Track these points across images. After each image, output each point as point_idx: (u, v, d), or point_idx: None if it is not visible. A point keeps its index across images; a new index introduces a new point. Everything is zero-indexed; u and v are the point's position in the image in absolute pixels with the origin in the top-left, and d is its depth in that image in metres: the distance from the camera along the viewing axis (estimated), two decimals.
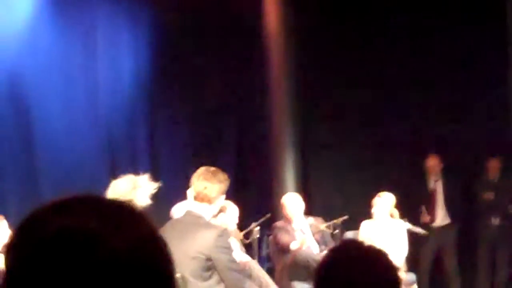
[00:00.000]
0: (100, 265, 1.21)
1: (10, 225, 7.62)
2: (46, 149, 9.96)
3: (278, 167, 11.53)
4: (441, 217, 11.45)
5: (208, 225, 5.74)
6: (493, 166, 11.58)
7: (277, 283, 8.87)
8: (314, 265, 8.54)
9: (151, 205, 6.13)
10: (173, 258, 1.33)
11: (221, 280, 5.62)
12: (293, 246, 9.65)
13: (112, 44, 10.94)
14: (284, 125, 11.59)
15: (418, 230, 10.31)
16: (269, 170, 11.61)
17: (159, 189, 6.13)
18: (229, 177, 5.92)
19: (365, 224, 9.95)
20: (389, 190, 9.94)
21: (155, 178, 6.14)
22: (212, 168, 5.84)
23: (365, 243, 2.68)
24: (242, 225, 9.49)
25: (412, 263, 10.54)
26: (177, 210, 8.07)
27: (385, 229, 9.82)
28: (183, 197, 7.23)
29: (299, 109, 11.73)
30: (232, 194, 7.81)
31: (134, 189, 5.91)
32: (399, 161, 12.14)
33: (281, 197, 10.36)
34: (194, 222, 5.69)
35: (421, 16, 11.93)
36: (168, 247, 1.32)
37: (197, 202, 5.75)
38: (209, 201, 5.72)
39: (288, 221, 9.97)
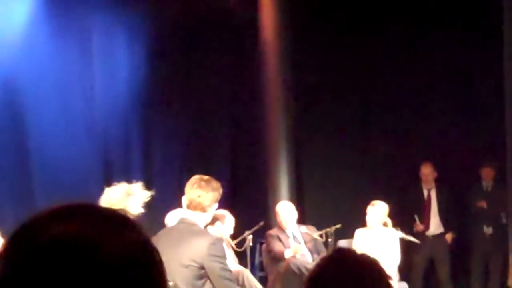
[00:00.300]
0: (93, 273, 1.22)
1: (5, 233, 7.61)
2: (41, 156, 9.95)
3: (272, 176, 11.53)
4: (434, 226, 11.45)
5: (201, 233, 5.74)
6: (487, 175, 11.59)
7: None
8: (307, 273, 8.55)
9: (144, 213, 6.15)
10: (166, 266, 1.34)
11: None
12: (286, 255, 9.66)
13: (108, 51, 10.94)
14: (278, 133, 11.58)
15: (411, 238, 10.32)
16: (262, 179, 11.61)
17: (153, 197, 6.13)
18: (222, 185, 5.92)
19: (358, 233, 9.96)
20: (382, 198, 9.95)
21: (148, 186, 6.15)
22: (206, 177, 5.85)
23: (357, 252, 2.69)
24: (235, 234, 9.50)
25: (405, 272, 10.55)
26: (171, 218, 8.08)
27: (378, 237, 9.82)
28: (176, 205, 7.24)
29: (293, 118, 11.74)
30: (225, 202, 7.81)
31: (127, 196, 5.91)
32: (392, 169, 12.15)
33: (274, 206, 10.37)
34: (188, 230, 5.69)
35: (414, 23, 11.95)
36: (160, 256, 1.33)
37: (190, 210, 5.75)
38: (203, 209, 5.72)
39: (282, 229, 9.98)
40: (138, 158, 11.17)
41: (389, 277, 2.65)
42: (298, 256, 9.68)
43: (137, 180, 6.17)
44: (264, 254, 10.33)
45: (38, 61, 10.08)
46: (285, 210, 10.03)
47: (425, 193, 11.61)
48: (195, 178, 5.84)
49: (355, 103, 12.42)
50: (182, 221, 5.86)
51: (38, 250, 1.23)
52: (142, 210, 5.88)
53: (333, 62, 12.21)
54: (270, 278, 9.97)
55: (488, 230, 11.38)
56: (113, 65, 11.01)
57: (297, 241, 9.95)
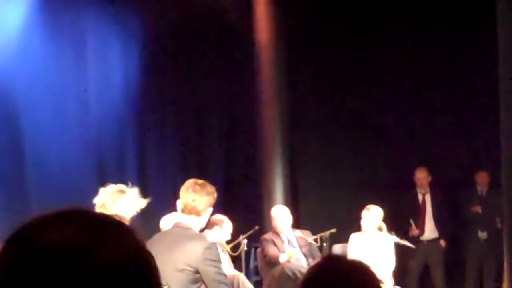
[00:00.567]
0: (87, 279, 1.22)
1: None
2: (35, 160, 9.92)
3: (267, 180, 11.54)
4: (429, 231, 11.46)
5: (196, 237, 5.73)
6: (482, 180, 11.60)
7: None
8: (302, 278, 8.56)
9: (139, 217, 6.15)
10: (161, 270, 1.34)
11: None
12: (281, 259, 9.66)
13: (102, 55, 10.93)
14: (273, 138, 11.59)
15: (406, 243, 10.32)
16: (257, 183, 11.61)
17: (148, 201, 6.14)
18: (217, 189, 5.92)
19: (353, 237, 9.96)
20: (377, 203, 9.96)
21: (143, 190, 6.15)
22: (200, 181, 5.84)
23: (349, 258, 2.69)
24: (230, 238, 9.50)
25: (400, 277, 10.55)
26: (166, 222, 8.08)
27: (373, 242, 9.82)
28: (171, 209, 7.24)
29: (288, 122, 11.75)
30: (220, 206, 7.81)
31: (119, 194, 5.91)
32: (387, 173, 12.17)
33: (269, 210, 10.37)
34: (182, 234, 5.68)
35: (411, 27, 11.99)
36: (155, 261, 1.33)
37: (185, 215, 5.75)
38: (197, 213, 5.72)
39: (276, 233, 9.99)
40: (132, 162, 11.16)
41: (381, 283, 2.65)
42: (292, 260, 9.68)
43: (132, 184, 6.17)
44: (259, 258, 10.33)
45: (32, 65, 10.06)
46: (280, 215, 10.04)
47: (420, 197, 11.62)
48: (190, 182, 5.83)
49: (350, 108, 12.43)
50: (176, 225, 5.85)
51: (32, 256, 1.23)
52: (134, 213, 5.88)
53: (328, 66, 12.24)
54: (265, 282, 9.97)
55: (482, 235, 11.40)
56: (107, 69, 11.00)
57: (292, 245, 9.95)
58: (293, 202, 11.45)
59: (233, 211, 10.04)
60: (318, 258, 9.20)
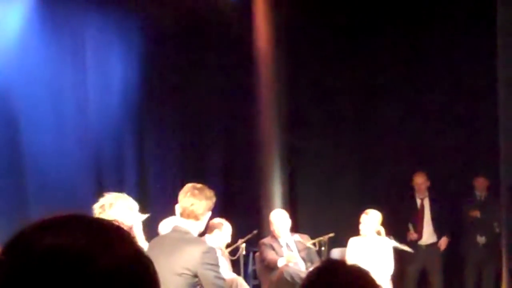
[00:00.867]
0: (87, 283, 1.22)
1: None
2: (34, 166, 9.91)
3: (265, 184, 11.54)
4: (427, 235, 11.46)
5: (195, 241, 5.73)
6: (480, 185, 11.60)
7: None
8: (300, 282, 8.56)
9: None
10: (159, 274, 1.34)
11: None
12: (279, 263, 9.66)
13: (102, 59, 10.93)
14: (272, 142, 11.59)
15: (405, 247, 10.33)
16: (256, 187, 11.61)
17: (147, 206, 6.15)
18: (216, 194, 5.92)
19: (352, 241, 9.96)
20: (376, 207, 9.96)
21: (143, 195, 6.15)
22: (199, 185, 5.84)
23: (348, 262, 2.70)
24: (228, 242, 9.50)
25: (398, 281, 10.55)
26: (165, 226, 8.08)
27: (372, 246, 9.83)
28: (170, 214, 7.23)
29: (287, 126, 11.75)
30: (219, 211, 7.81)
31: (116, 198, 5.89)
32: (386, 178, 12.16)
33: (268, 214, 10.37)
34: (181, 238, 5.68)
35: (410, 32, 12.00)
36: (153, 265, 1.33)
37: (183, 219, 5.75)
38: (196, 217, 5.72)
39: (275, 237, 9.98)
40: (131, 166, 11.16)
41: (379, 287, 2.66)
42: (291, 264, 9.68)
43: (131, 187, 6.18)
44: (257, 262, 10.33)
45: (31, 68, 10.05)
46: (279, 219, 10.03)
47: (418, 202, 11.62)
48: (188, 186, 5.83)
49: (350, 112, 12.44)
50: (175, 230, 5.85)
51: (32, 260, 1.23)
52: (134, 220, 5.87)
53: (327, 69, 12.25)
54: (263, 286, 9.98)
55: (481, 239, 11.40)
56: (106, 73, 10.99)
57: (290, 249, 9.95)
58: (292, 206, 11.45)
59: (232, 215, 10.03)
60: (316, 263, 9.20)
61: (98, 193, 6.23)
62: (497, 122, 8.72)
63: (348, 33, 12.17)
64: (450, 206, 11.71)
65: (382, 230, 9.96)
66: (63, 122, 10.37)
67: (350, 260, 9.03)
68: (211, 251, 5.64)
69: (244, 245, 9.92)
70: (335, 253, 10.38)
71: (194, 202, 5.70)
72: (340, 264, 2.74)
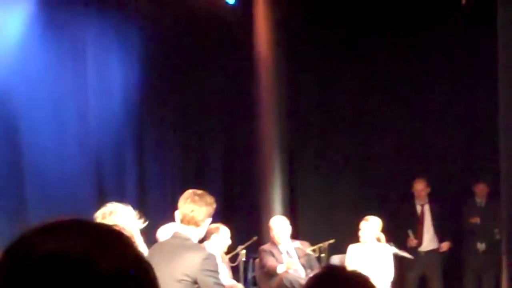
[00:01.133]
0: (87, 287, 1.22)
1: None
2: (34, 171, 9.89)
3: (265, 191, 11.53)
4: (427, 241, 11.45)
5: (195, 248, 5.73)
6: (481, 191, 11.60)
7: None
8: None
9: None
10: (159, 281, 1.34)
11: None
12: (279, 270, 9.65)
13: (102, 63, 10.92)
14: (272, 148, 11.59)
15: (405, 254, 10.32)
16: (256, 193, 11.61)
17: (147, 212, 6.13)
18: (216, 200, 5.92)
19: (351, 248, 9.95)
20: (376, 214, 9.96)
21: (142, 201, 6.14)
22: (199, 191, 5.84)
23: (348, 268, 2.69)
24: (228, 248, 9.49)
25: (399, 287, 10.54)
26: (163, 232, 8.06)
27: (372, 253, 9.82)
28: (170, 221, 7.22)
29: (287, 132, 11.75)
30: (219, 217, 7.80)
31: (115, 207, 5.87)
32: (386, 184, 12.16)
33: (267, 221, 10.36)
34: (181, 244, 5.68)
35: (410, 33, 12.00)
36: (153, 270, 1.33)
37: (183, 225, 5.74)
38: (196, 223, 5.71)
39: (275, 244, 9.98)
40: (131, 172, 11.15)
41: None
42: (291, 271, 9.67)
43: (131, 195, 6.17)
44: (257, 269, 10.32)
45: (32, 73, 10.04)
46: (279, 225, 10.03)
47: (419, 208, 11.61)
48: (189, 192, 5.83)
49: (350, 119, 12.44)
50: (175, 236, 5.84)
51: (32, 265, 1.23)
52: (135, 226, 5.86)
53: (327, 72, 12.26)
54: None
55: (481, 246, 11.39)
56: (107, 78, 10.98)
57: (290, 256, 9.94)
58: (292, 213, 11.44)
59: (232, 222, 10.02)
60: (316, 269, 9.19)
61: (98, 197, 6.25)
62: (498, 127, 8.71)
63: (347, 34, 12.18)
64: (450, 212, 11.70)
65: (382, 236, 9.94)
66: (63, 126, 10.36)
67: (350, 266, 9.02)
68: (211, 257, 5.64)
69: (244, 251, 9.91)
70: (335, 260, 10.37)
71: (195, 208, 5.69)
72: (340, 270, 2.73)
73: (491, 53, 8.88)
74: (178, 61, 11.66)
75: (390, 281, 9.87)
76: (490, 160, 10.41)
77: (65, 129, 10.38)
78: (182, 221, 5.75)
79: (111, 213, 5.63)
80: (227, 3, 11.76)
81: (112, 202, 5.79)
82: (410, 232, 11.35)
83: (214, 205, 5.82)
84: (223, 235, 9.05)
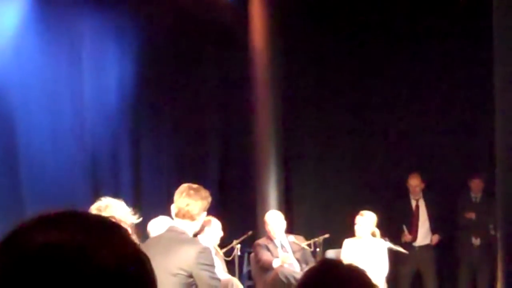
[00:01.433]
0: (84, 280, 1.21)
1: None
2: (30, 165, 9.88)
3: (261, 185, 11.54)
4: (421, 237, 11.46)
5: (190, 242, 5.73)
6: (476, 186, 11.61)
7: None
8: (295, 283, 8.55)
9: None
10: (155, 274, 1.34)
11: None
12: (274, 264, 9.65)
13: (98, 58, 10.91)
14: (267, 143, 11.60)
15: (399, 249, 10.32)
16: (251, 188, 11.61)
17: (142, 206, 6.13)
18: (211, 194, 5.92)
19: (347, 243, 9.96)
20: (370, 209, 9.96)
21: (138, 195, 6.13)
22: (195, 185, 5.84)
23: (343, 262, 2.69)
24: (223, 243, 9.49)
25: (392, 283, 10.55)
26: (153, 226, 8.06)
27: (367, 247, 9.82)
28: (165, 214, 7.23)
29: (283, 128, 11.75)
30: (214, 211, 7.80)
31: (114, 200, 5.85)
32: (381, 179, 12.17)
33: (263, 215, 10.37)
34: (176, 238, 5.68)
35: (408, 31, 12.00)
36: (150, 263, 1.32)
37: (179, 219, 5.74)
38: (191, 217, 5.71)
39: (270, 238, 9.98)
40: (127, 167, 11.15)
41: (375, 287, 2.65)
42: (286, 265, 9.67)
43: (126, 189, 6.16)
44: (252, 263, 10.32)
45: (27, 68, 10.03)
46: (274, 220, 10.03)
47: (413, 203, 11.62)
48: (184, 186, 5.83)
49: (345, 115, 12.44)
50: (170, 230, 5.84)
51: (29, 257, 1.22)
52: (132, 220, 5.84)
53: (324, 71, 12.26)
54: (258, 287, 9.96)
55: (476, 241, 11.41)
56: (103, 73, 10.98)
57: (285, 250, 9.95)
58: (287, 207, 11.46)
59: (227, 216, 10.02)
60: (311, 264, 9.19)
61: (93, 192, 6.23)
62: (494, 123, 8.71)
63: (344, 34, 12.18)
64: (446, 207, 11.71)
65: (377, 231, 9.95)
66: (59, 122, 10.35)
67: (345, 261, 9.03)
68: (206, 251, 5.64)
69: (239, 246, 9.92)
70: (331, 254, 10.38)
71: (190, 202, 5.69)
72: (336, 263, 2.73)
73: (487, 50, 8.87)
74: (174, 57, 11.66)
75: (385, 276, 9.88)
76: (486, 155, 10.41)
77: (61, 123, 10.37)
78: (177, 215, 5.75)
79: (106, 206, 5.61)
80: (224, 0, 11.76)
81: (106, 197, 5.77)
82: (404, 227, 11.36)
83: (209, 199, 5.82)
84: (214, 227, 9.03)
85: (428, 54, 12.05)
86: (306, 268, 9.03)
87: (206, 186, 6.00)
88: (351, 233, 9.95)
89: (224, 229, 9.12)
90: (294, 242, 10.01)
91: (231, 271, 9.65)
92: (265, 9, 11.56)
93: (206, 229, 8.92)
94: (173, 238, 5.68)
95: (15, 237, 1.28)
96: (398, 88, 12.21)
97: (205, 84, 11.99)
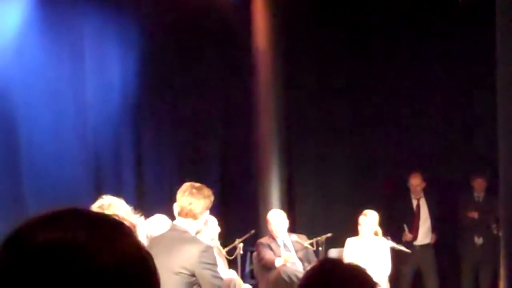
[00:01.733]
0: (87, 278, 1.21)
1: None
2: (32, 164, 9.87)
3: (263, 184, 11.54)
4: (422, 236, 11.46)
5: (193, 241, 5.73)
6: (479, 186, 11.60)
7: None
8: (298, 282, 8.55)
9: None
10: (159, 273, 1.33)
11: None
12: (277, 263, 9.65)
13: (100, 58, 10.91)
14: (270, 142, 11.60)
15: (402, 248, 10.32)
16: (254, 187, 11.61)
17: (144, 205, 6.12)
18: (214, 193, 5.92)
19: (349, 241, 9.96)
20: (372, 207, 9.96)
21: (140, 195, 6.13)
22: (197, 184, 5.84)
23: (345, 261, 2.70)
24: (226, 241, 9.49)
25: (393, 282, 10.55)
26: (150, 224, 8.03)
27: (369, 246, 9.83)
28: (168, 213, 7.22)
29: (285, 127, 11.75)
30: (216, 210, 7.80)
31: (116, 199, 5.85)
32: (383, 178, 12.17)
33: (265, 214, 10.36)
34: (179, 237, 5.68)
35: (410, 31, 11.99)
36: (154, 261, 1.32)
37: (181, 218, 5.74)
38: (194, 216, 5.72)
39: (272, 237, 9.98)
40: (129, 166, 11.14)
41: (378, 286, 2.66)
42: (288, 264, 9.67)
43: (129, 188, 6.15)
44: (254, 262, 10.32)
45: (30, 68, 10.02)
46: (276, 219, 10.03)
47: (414, 203, 11.62)
48: (187, 185, 5.84)
49: (347, 114, 12.44)
50: (173, 228, 5.85)
51: (31, 255, 1.22)
52: (136, 220, 5.84)
53: (326, 70, 12.25)
54: (261, 286, 9.96)
55: (479, 240, 11.40)
56: (105, 73, 10.97)
57: (287, 249, 9.95)
58: (289, 206, 11.46)
59: (230, 215, 10.03)
60: (314, 263, 9.18)
61: (96, 191, 6.23)
62: (496, 121, 8.71)
63: (346, 34, 12.17)
64: (448, 206, 11.71)
65: (379, 230, 9.96)
66: (61, 120, 10.34)
67: (348, 260, 9.02)
68: (209, 250, 5.64)
69: (241, 244, 9.91)
70: (333, 253, 10.38)
71: (192, 201, 5.70)
72: (338, 262, 2.73)
73: (489, 49, 8.86)
74: (177, 56, 11.65)
75: (387, 275, 9.87)
76: (488, 154, 10.41)
77: (63, 122, 10.36)
78: (179, 214, 5.76)
79: (110, 205, 5.60)
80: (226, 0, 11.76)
81: (108, 195, 5.77)
82: (405, 227, 11.36)
83: (212, 198, 5.83)
84: (211, 224, 9.03)
85: (429, 54, 12.05)
86: (308, 267, 9.04)
87: (208, 185, 6.00)
88: (353, 232, 9.95)
89: (226, 228, 9.12)
90: (296, 241, 10.01)
91: (233, 270, 9.64)
92: (267, 9, 11.56)
93: (203, 228, 8.90)
94: (176, 237, 5.68)
95: (17, 235, 1.28)
96: (400, 88, 12.20)
97: (207, 84, 11.98)
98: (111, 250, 1.24)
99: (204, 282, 5.53)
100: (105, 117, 10.82)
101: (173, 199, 5.90)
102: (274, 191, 11.50)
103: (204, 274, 5.52)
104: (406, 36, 12.02)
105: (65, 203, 1.36)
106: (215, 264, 5.67)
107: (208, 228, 8.93)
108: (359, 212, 9.95)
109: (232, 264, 9.70)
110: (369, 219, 9.84)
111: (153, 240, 6.06)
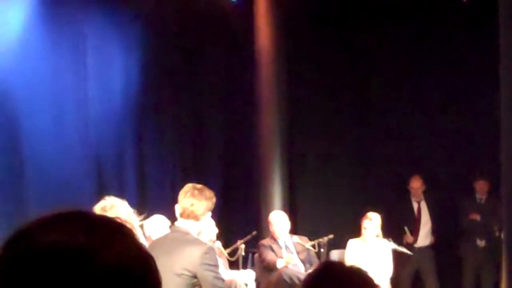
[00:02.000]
0: (89, 280, 1.21)
1: None
2: (34, 165, 9.87)
3: (265, 186, 11.53)
4: (422, 238, 11.46)
5: (194, 242, 5.73)
6: (481, 188, 11.59)
7: None
8: (299, 284, 8.55)
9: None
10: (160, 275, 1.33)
11: None
12: (278, 264, 9.65)
13: (102, 59, 10.91)
14: (272, 143, 11.59)
15: (404, 250, 10.32)
16: (255, 188, 11.61)
17: (146, 206, 6.12)
18: (216, 194, 5.92)
19: (351, 243, 9.96)
20: (374, 210, 9.96)
21: (142, 196, 6.13)
22: (199, 185, 5.84)
23: (346, 264, 2.70)
24: (227, 243, 9.48)
25: (393, 284, 10.55)
26: (149, 225, 8.03)
27: (371, 248, 9.82)
28: (169, 215, 7.23)
29: (287, 128, 11.75)
30: (218, 211, 7.80)
31: (118, 200, 5.85)
32: (384, 180, 12.16)
33: (267, 215, 10.36)
34: (181, 238, 5.68)
35: (411, 31, 11.99)
36: (155, 263, 1.32)
37: (183, 219, 5.74)
38: (196, 217, 5.72)
39: (274, 239, 9.98)
40: (131, 167, 11.14)
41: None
42: (290, 266, 9.67)
43: (131, 189, 6.15)
44: (256, 263, 10.32)
45: (32, 69, 10.03)
46: (278, 220, 10.03)
47: (415, 205, 11.62)
48: (189, 186, 5.83)
49: (349, 115, 12.44)
50: (175, 230, 5.84)
51: (33, 257, 1.22)
52: (137, 222, 5.84)
53: (328, 70, 12.25)
54: (262, 287, 9.96)
55: (481, 243, 11.39)
56: (107, 74, 10.98)
57: (289, 251, 9.95)
58: (291, 207, 11.45)
59: (231, 216, 10.03)
60: (315, 264, 9.19)
61: (98, 191, 6.23)
62: (498, 123, 8.70)
63: (348, 31, 12.17)
64: (450, 209, 11.69)
65: (380, 232, 9.96)
66: (63, 121, 10.35)
67: (349, 262, 9.02)
68: (211, 251, 5.64)
69: (243, 246, 9.90)
70: (334, 255, 10.39)
71: (194, 202, 5.69)
72: (339, 265, 2.73)
73: (492, 50, 8.86)
74: (179, 57, 11.66)
75: (389, 277, 9.87)
76: (490, 156, 10.40)
77: (65, 123, 10.37)
78: (181, 215, 5.75)
79: (112, 206, 5.60)
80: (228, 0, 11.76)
81: (111, 196, 5.77)
82: (406, 229, 11.35)
83: (214, 199, 5.82)
84: (209, 225, 9.01)
85: (430, 54, 12.04)
86: (310, 269, 9.04)
87: (210, 186, 6.00)
88: (355, 233, 9.95)
89: (228, 229, 9.13)
90: (298, 243, 10.01)
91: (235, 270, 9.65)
92: (270, 9, 11.56)
93: (202, 230, 8.89)
94: (178, 239, 5.68)
95: (19, 237, 1.28)
96: (401, 89, 12.20)
97: (210, 84, 11.99)
98: (112, 252, 1.24)
99: (206, 283, 5.53)
100: (107, 118, 10.82)
101: (175, 200, 5.90)
102: (276, 193, 11.50)
103: (206, 275, 5.52)
104: (407, 36, 12.02)
105: (67, 204, 1.36)
106: (216, 266, 5.67)
107: (206, 229, 8.93)
108: (360, 214, 9.94)
109: (233, 265, 9.69)
110: (373, 223, 9.85)
111: (155, 241, 6.06)
